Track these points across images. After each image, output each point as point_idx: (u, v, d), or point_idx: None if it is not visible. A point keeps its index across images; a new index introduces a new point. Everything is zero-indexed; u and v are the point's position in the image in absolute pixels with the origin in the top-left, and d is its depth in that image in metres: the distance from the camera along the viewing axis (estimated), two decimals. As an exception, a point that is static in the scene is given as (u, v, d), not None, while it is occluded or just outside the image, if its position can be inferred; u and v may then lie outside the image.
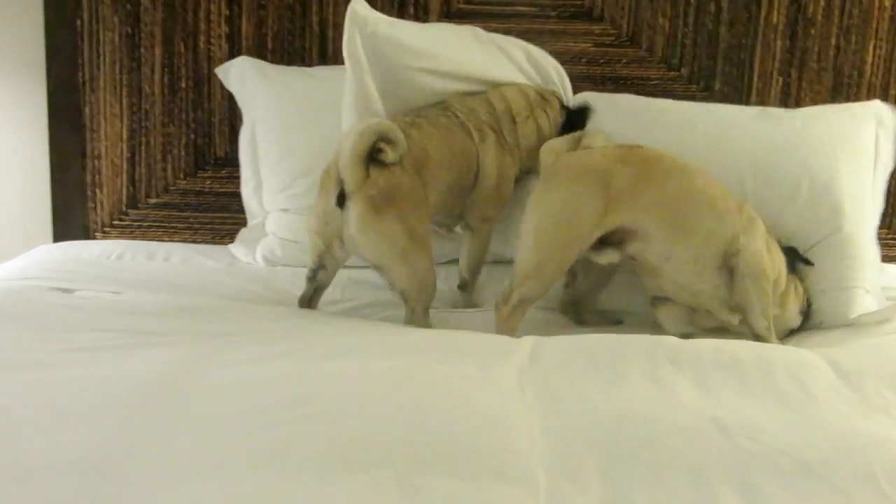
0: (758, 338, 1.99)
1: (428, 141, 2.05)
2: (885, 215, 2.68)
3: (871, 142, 2.33)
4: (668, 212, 1.97)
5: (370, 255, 1.98)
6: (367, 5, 2.15)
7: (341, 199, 1.93)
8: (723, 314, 2.04)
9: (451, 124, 2.14)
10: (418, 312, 2.02)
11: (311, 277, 2.10)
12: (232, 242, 2.61)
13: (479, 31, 2.41)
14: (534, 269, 2.00)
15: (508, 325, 1.99)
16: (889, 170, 2.39)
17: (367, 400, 1.43)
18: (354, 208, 1.92)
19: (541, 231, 1.99)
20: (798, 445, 1.34)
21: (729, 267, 1.99)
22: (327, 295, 2.15)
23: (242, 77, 2.56)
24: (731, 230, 1.98)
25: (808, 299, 2.15)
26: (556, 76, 2.43)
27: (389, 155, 1.90)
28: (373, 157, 1.90)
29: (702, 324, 2.08)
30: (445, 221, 2.27)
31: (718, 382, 1.58)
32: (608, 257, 2.02)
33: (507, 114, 2.23)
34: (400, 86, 2.20)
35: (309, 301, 2.11)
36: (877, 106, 2.42)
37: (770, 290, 2.00)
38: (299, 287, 2.13)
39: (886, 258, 2.77)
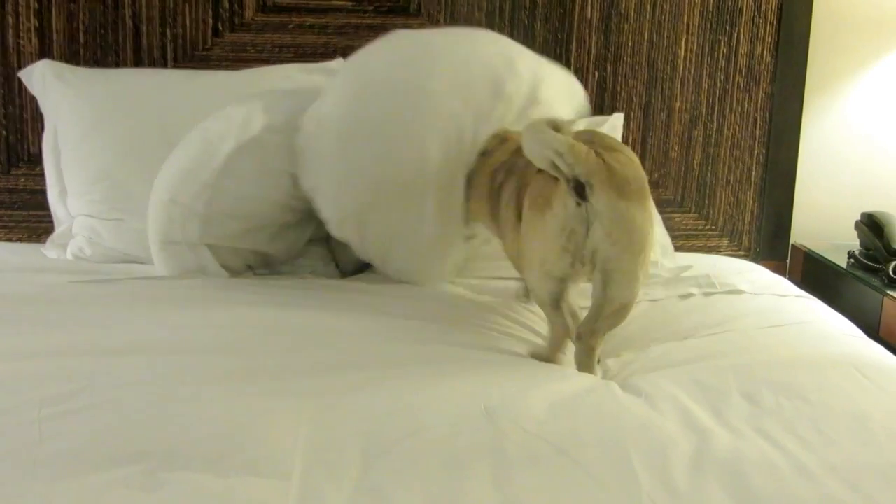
0: None
1: None
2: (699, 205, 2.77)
3: None
4: None
5: (616, 254, 1.67)
6: None
7: (581, 191, 1.64)
8: None
9: None
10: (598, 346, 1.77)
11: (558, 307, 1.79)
12: (48, 241, 2.56)
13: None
14: None
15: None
16: None
17: (132, 397, 1.43)
18: (603, 196, 1.64)
19: None
20: (562, 433, 1.37)
21: None
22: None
23: (43, 81, 2.50)
24: None
25: None
26: None
27: None
28: None
29: None
30: None
31: (503, 376, 1.61)
32: None
33: None
34: None
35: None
36: None
37: None
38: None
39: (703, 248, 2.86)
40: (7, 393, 1.43)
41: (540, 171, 1.71)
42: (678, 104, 2.81)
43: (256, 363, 1.61)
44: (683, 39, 2.78)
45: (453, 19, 2.73)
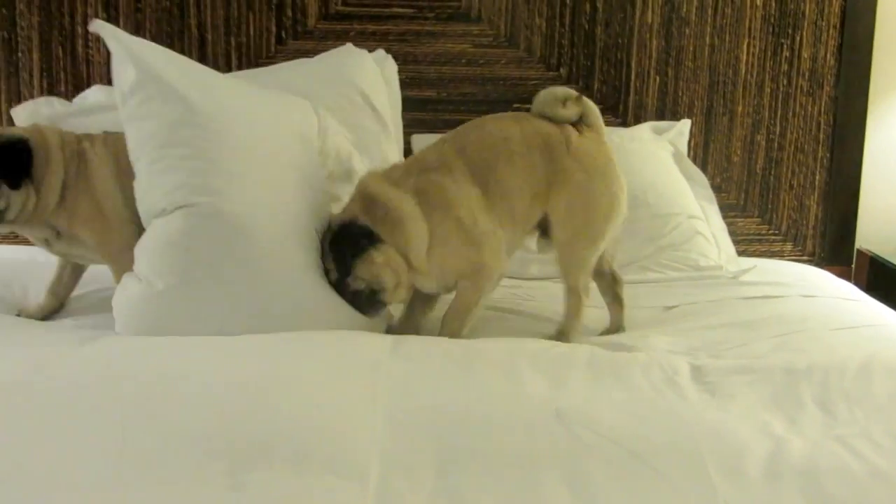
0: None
1: None
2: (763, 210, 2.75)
3: None
4: None
5: None
6: None
7: None
8: None
9: None
10: None
11: None
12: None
13: None
14: None
15: None
16: None
17: (210, 398, 1.44)
18: None
19: None
20: (634, 436, 1.37)
21: None
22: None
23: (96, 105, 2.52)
24: None
25: None
26: None
27: None
28: None
29: None
30: None
31: (572, 378, 1.61)
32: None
33: None
34: None
35: None
36: None
37: None
38: None
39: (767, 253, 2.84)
40: (89, 394, 1.45)
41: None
42: (740, 108, 2.79)
43: (331, 364, 1.63)
44: (745, 43, 2.77)
45: (513, 25, 2.74)
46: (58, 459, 1.24)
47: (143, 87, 1.89)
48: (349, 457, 1.28)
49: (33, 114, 2.37)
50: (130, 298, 1.85)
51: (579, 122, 2.03)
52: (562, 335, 1.96)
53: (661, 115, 2.78)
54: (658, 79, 2.78)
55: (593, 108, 2.06)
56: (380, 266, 1.85)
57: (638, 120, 2.78)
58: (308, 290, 1.87)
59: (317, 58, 2.50)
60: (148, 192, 1.88)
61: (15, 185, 1.92)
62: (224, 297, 1.82)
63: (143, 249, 1.86)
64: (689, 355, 1.82)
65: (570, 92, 2.05)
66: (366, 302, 1.89)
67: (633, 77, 2.77)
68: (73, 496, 1.17)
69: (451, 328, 1.93)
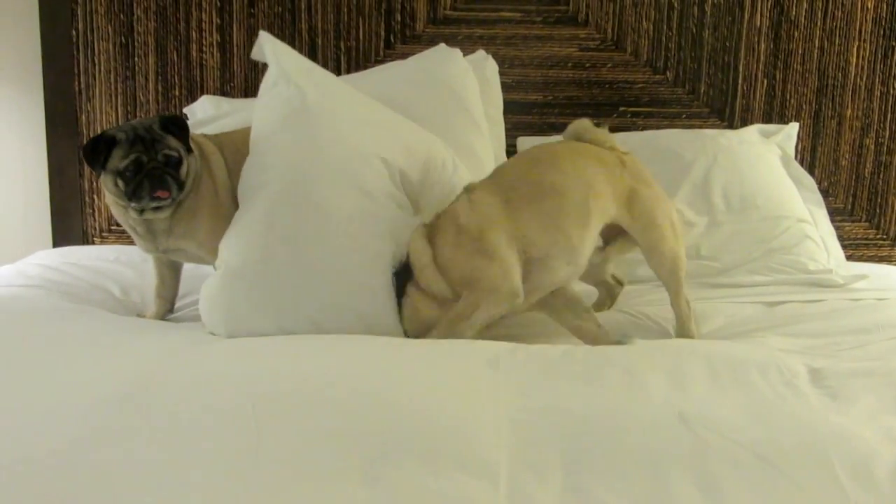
0: None
1: None
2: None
3: None
4: None
5: None
6: None
7: None
8: None
9: None
10: None
11: None
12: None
13: None
14: None
15: None
16: None
17: (340, 395, 1.47)
18: None
19: None
20: (759, 439, 1.36)
21: None
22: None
23: (205, 114, 2.59)
24: None
25: None
26: None
27: None
28: None
29: None
30: None
31: (691, 378, 1.61)
32: None
33: None
34: None
35: None
36: None
37: None
38: None
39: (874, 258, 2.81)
40: (222, 394, 1.48)
41: None
42: (849, 112, 2.77)
43: (450, 365, 1.66)
44: (855, 46, 2.74)
45: (620, 28, 2.75)
46: (189, 459, 1.27)
47: (277, 83, 2.05)
48: (478, 455, 1.30)
49: None
50: (210, 285, 1.93)
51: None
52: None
53: (768, 119, 2.76)
54: (766, 82, 2.76)
55: (606, 135, 2.11)
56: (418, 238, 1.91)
57: (745, 123, 2.77)
58: (376, 275, 1.92)
59: (410, 59, 2.53)
60: (247, 172, 2.02)
61: (189, 149, 2.03)
62: (299, 275, 1.88)
63: (226, 235, 1.97)
64: (805, 357, 1.81)
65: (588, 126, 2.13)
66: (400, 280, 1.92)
67: (740, 80, 2.76)
68: (210, 491, 1.20)
69: (438, 334, 1.89)
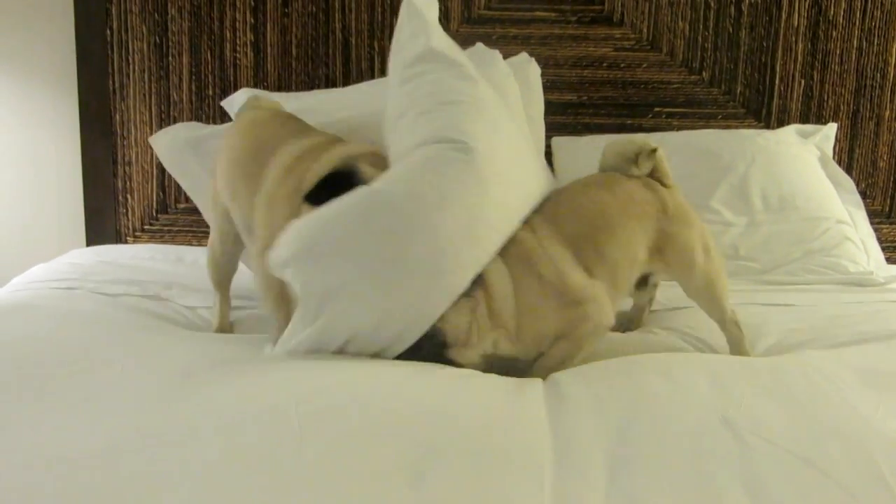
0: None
1: None
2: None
3: None
4: None
5: None
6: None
7: None
8: None
9: None
10: None
11: None
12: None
13: None
14: None
15: None
16: None
17: (382, 397, 1.47)
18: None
19: None
20: (806, 444, 1.35)
21: None
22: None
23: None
24: None
25: None
26: None
27: None
28: None
29: None
30: None
31: (732, 383, 1.60)
32: None
33: None
34: None
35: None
36: None
37: None
38: None
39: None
40: (267, 396, 1.48)
41: None
42: (888, 113, 2.74)
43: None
44: (895, 46, 2.71)
45: (656, 29, 2.73)
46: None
47: (426, 58, 1.88)
48: (523, 455, 1.29)
49: (174, 139, 2.45)
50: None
51: (655, 174, 1.93)
52: None
53: (805, 119, 2.74)
54: (803, 82, 2.74)
55: (663, 160, 1.94)
56: (462, 313, 1.70)
57: (781, 124, 2.74)
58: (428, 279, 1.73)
59: None
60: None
61: None
62: (351, 270, 1.68)
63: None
64: (851, 359, 1.79)
65: (644, 145, 1.93)
66: (428, 350, 1.69)
67: (777, 80, 2.74)
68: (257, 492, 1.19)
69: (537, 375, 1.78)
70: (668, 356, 1.76)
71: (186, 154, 2.40)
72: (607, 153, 1.97)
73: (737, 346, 1.90)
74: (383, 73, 2.69)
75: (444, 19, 2.73)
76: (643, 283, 1.97)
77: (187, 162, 2.42)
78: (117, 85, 2.75)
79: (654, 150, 1.91)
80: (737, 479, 1.25)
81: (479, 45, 2.50)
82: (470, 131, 1.77)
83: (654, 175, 1.92)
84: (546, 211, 1.85)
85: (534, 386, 1.58)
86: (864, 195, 2.73)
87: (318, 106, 2.37)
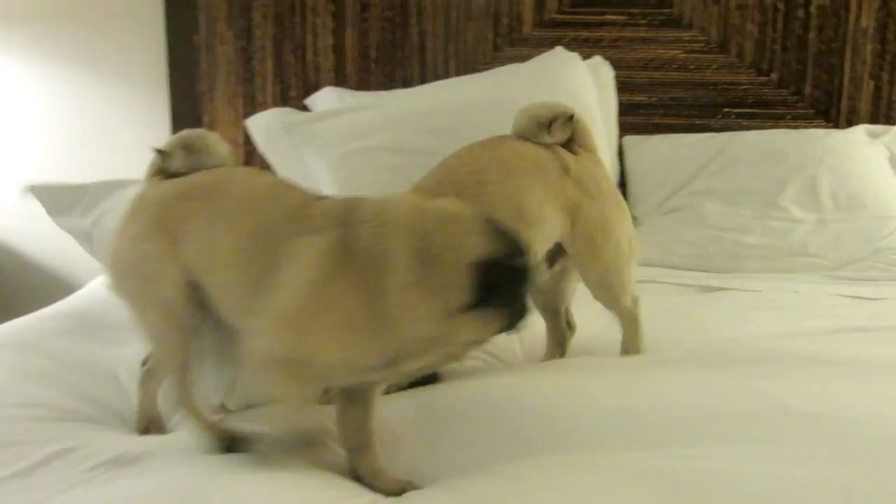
0: None
1: None
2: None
3: None
4: None
5: None
6: None
7: None
8: None
9: None
10: None
11: None
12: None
13: None
14: None
15: None
16: None
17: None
18: None
19: None
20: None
21: None
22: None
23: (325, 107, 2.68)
24: None
25: None
26: None
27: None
28: None
29: None
30: None
31: (792, 375, 1.63)
32: None
33: None
34: None
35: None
36: None
37: None
38: None
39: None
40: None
41: None
42: (957, 113, 2.76)
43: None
44: (963, 47, 2.74)
45: (725, 31, 2.78)
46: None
47: None
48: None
49: (269, 122, 2.56)
50: None
51: (571, 143, 1.79)
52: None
53: (874, 120, 2.77)
54: (872, 83, 2.77)
55: (586, 128, 1.82)
56: None
57: (850, 125, 2.77)
58: None
59: (528, 62, 2.60)
60: None
61: None
62: None
63: None
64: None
65: (558, 110, 1.78)
66: None
67: (846, 82, 2.77)
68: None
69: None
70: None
71: (280, 136, 2.52)
72: (519, 118, 1.79)
73: (629, 343, 1.81)
74: (458, 74, 2.80)
75: (518, 23, 2.82)
76: (551, 261, 1.78)
77: (279, 144, 2.54)
78: (205, 87, 2.88)
79: (570, 118, 1.77)
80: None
81: (559, 49, 2.58)
82: None
83: (571, 146, 1.78)
84: (420, 183, 1.72)
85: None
86: (930, 195, 2.75)
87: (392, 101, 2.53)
